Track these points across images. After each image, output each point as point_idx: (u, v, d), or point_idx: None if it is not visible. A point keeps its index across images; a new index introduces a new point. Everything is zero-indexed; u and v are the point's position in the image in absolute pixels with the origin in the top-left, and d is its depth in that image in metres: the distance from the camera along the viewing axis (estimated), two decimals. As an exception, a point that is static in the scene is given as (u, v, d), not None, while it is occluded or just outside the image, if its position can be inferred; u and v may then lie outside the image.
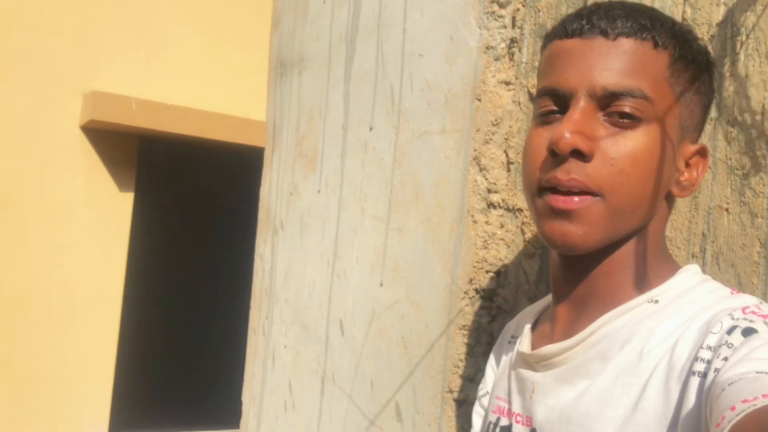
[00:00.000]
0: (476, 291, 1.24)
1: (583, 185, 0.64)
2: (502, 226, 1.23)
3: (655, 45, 0.67)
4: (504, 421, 0.76)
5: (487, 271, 1.23)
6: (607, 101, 0.65)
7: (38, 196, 3.79)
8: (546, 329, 0.76)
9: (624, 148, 0.64)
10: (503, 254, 1.22)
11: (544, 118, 0.69)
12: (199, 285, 4.60)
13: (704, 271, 0.89)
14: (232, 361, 3.85)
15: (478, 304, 1.24)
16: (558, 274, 0.74)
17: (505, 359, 0.84)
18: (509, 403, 0.76)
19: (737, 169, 0.87)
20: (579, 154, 0.64)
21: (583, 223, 0.65)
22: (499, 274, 1.22)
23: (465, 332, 1.25)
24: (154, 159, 4.11)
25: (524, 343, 0.77)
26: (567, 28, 0.69)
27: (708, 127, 0.90)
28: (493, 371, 0.88)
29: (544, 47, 0.74)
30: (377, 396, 1.49)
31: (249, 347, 2.34)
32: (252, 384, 2.26)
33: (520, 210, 1.20)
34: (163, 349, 4.26)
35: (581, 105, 0.65)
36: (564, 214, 0.65)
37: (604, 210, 0.64)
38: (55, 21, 3.79)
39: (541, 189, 0.67)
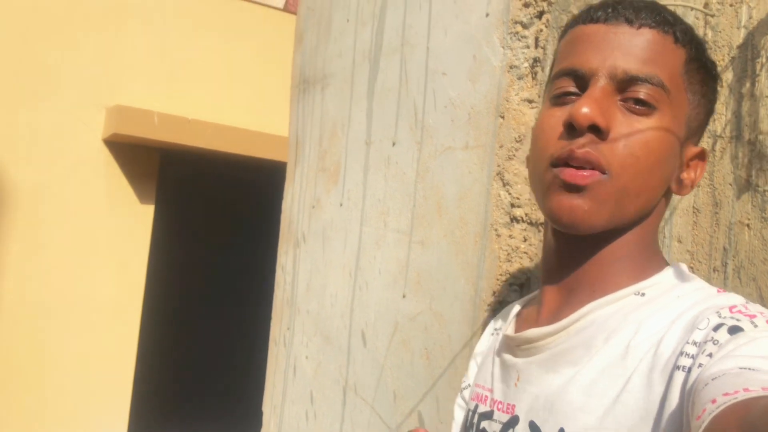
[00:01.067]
0: (499, 303, 1.27)
1: (596, 159, 0.65)
2: (525, 240, 1.26)
3: (676, 40, 0.68)
4: (483, 408, 0.76)
5: (511, 284, 1.26)
6: (625, 85, 0.66)
7: (61, 208, 3.86)
8: (532, 313, 0.77)
9: (638, 132, 0.66)
10: (526, 267, 1.25)
11: (559, 99, 0.70)
12: (219, 296, 4.65)
13: (726, 285, 0.92)
14: (252, 372, 3.88)
15: (501, 316, 1.27)
16: (551, 258, 0.75)
17: (486, 350, 0.85)
18: (491, 390, 0.76)
19: (758, 186, 0.89)
20: (596, 130, 0.65)
21: (590, 199, 0.65)
22: (522, 287, 1.25)
23: (488, 343, 1.28)
24: (174, 172, 4.18)
25: (509, 328, 0.78)
26: (592, 15, 0.70)
27: (730, 145, 0.93)
28: (475, 364, 0.88)
29: (564, 35, 0.75)
30: (400, 406, 1.51)
31: (270, 358, 2.38)
32: (273, 394, 2.29)
33: (543, 224, 1.23)
34: (182, 359, 4.30)
35: (601, 84, 0.67)
36: (573, 188, 0.65)
37: (610, 188, 0.65)
38: (80, 37, 3.88)
39: (553, 163, 0.67)
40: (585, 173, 0.65)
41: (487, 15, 1.41)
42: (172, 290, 4.25)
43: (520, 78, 1.31)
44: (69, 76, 3.87)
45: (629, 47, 0.67)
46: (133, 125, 3.70)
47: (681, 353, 0.58)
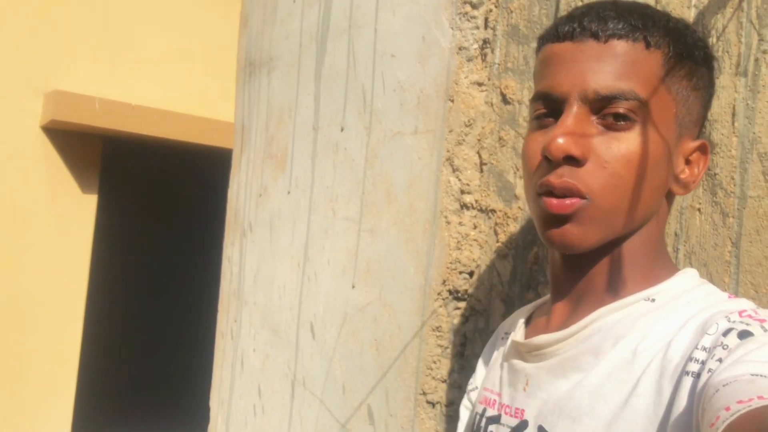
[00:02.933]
0: (449, 292, 1.23)
1: (575, 188, 0.65)
2: (475, 227, 1.23)
3: (648, 45, 0.66)
4: (491, 412, 0.76)
5: (461, 272, 1.23)
6: (599, 105, 0.65)
7: (-3, 198, 3.67)
8: (541, 322, 0.77)
9: (617, 151, 0.65)
10: (476, 255, 1.22)
11: (539, 122, 0.70)
12: (164, 288, 4.51)
13: (676, 271, 0.90)
14: (198, 366, 3.78)
15: (451, 305, 1.24)
16: (558, 272, 0.75)
17: (497, 353, 0.85)
18: (499, 394, 0.76)
19: (709, 170, 0.88)
20: (572, 159, 0.65)
21: (577, 224, 0.66)
22: (472, 275, 1.22)
23: (438, 334, 1.24)
24: (117, 160, 4.02)
25: (518, 334, 0.78)
26: (559, 32, 0.69)
27: (680, 128, 0.91)
28: (483, 366, 0.88)
29: (538, 49, 0.74)
30: (349, 399, 1.47)
31: (217, 351, 2.30)
32: (220, 389, 2.22)
33: (493, 211, 1.20)
34: (127, 354, 4.16)
35: (574, 110, 0.66)
36: (560, 218, 0.66)
37: (595, 211, 0.65)
38: (16, 18, 3.68)
39: (538, 193, 0.68)
40: (567, 202, 0.65)
41: (436, -5, 1.36)
42: (117, 282, 4.10)
43: (469, 60, 1.27)
44: (3, 59, 3.67)
45: (598, 65, 0.66)
46: (73, 112, 3.53)
47: (690, 358, 0.58)
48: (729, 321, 0.58)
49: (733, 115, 0.86)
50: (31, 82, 3.73)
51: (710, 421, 0.47)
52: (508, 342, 0.80)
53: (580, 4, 1.08)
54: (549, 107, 0.68)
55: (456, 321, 1.23)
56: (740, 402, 0.46)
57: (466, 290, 1.22)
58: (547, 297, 0.82)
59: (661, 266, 0.71)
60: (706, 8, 0.91)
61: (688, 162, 0.71)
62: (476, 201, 1.23)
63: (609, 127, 0.65)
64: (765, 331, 0.57)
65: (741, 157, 0.84)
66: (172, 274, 4.55)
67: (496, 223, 1.19)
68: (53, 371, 3.86)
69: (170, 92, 4.00)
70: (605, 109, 0.65)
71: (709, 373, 0.54)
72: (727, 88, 0.87)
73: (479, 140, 1.24)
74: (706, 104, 0.73)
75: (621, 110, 0.65)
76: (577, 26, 0.67)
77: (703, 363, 0.56)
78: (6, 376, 3.73)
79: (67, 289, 3.87)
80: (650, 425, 0.59)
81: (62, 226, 3.84)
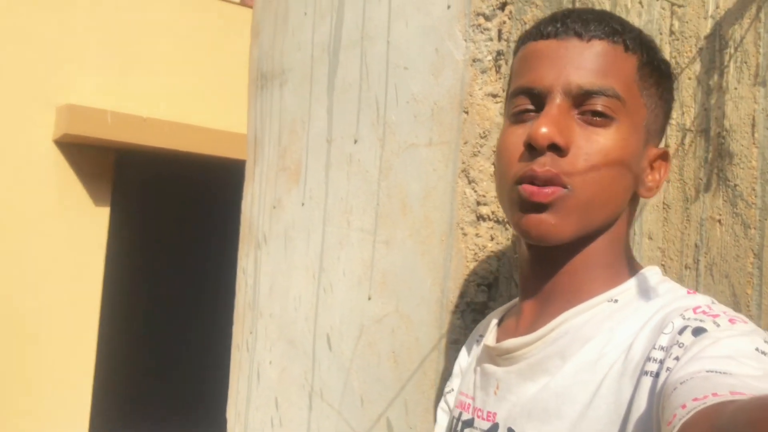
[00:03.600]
0: (467, 305, 1.23)
1: (557, 177, 0.66)
2: (492, 239, 1.23)
3: (626, 48, 0.70)
4: (465, 416, 0.78)
5: (478, 285, 1.23)
6: (581, 99, 0.68)
7: (11, 212, 3.70)
8: (512, 324, 0.78)
9: (597, 145, 0.67)
10: (494, 267, 1.22)
11: (518, 117, 0.71)
12: (178, 301, 4.53)
13: (698, 283, 0.90)
14: (214, 378, 3.78)
15: (469, 317, 1.24)
16: (526, 269, 0.76)
17: (471, 357, 0.86)
18: (473, 398, 0.77)
19: (729, 181, 0.87)
20: (556, 148, 0.66)
21: (555, 213, 0.67)
22: (490, 287, 1.22)
23: (457, 347, 1.24)
24: (130, 173, 4.06)
25: (489, 337, 0.79)
26: (542, 31, 0.72)
27: (699, 139, 0.91)
28: (459, 369, 0.90)
29: (517, 50, 0.76)
30: (368, 412, 1.47)
31: (233, 363, 2.31)
32: (237, 401, 2.22)
33: (509, 222, 1.20)
34: (141, 365, 4.18)
35: (557, 102, 0.68)
36: (538, 206, 0.67)
37: (574, 201, 0.67)
38: (29, 33, 3.72)
39: (517, 181, 0.69)
40: (547, 190, 0.66)
41: (449, 7, 1.36)
42: (130, 294, 4.12)
43: (483, 72, 1.28)
44: (16, 74, 3.71)
45: (581, 61, 0.68)
46: (85, 125, 3.57)
47: (648, 358, 0.59)
48: (684, 318, 0.60)
49: (753, 125, 0.85)
50: (44, 97, 3.78)
51: (667, 419, 0.48)
52: (481, 346, 0.82)
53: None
54: (531, 102, 0.70)
55: (474, 333, 1.23)
56: (695, 399, 0.47)
57: (484, 302, 1.22)
58: (516, 301, 0.84)
59: (625, 267, 0.73)
60: (723, 19, 0.90)
61: (651, 168, 0.73)
62: (493, 212, 1.23)
63: (588, 122, 0.68)
64: (718, 326, 0.57)
65: (761, 168, 0.84)
66: (185, 286, 4.56)
67: (514, 235, 1.19)
68: (68, 380, 3.88)
69: (181, 105, 4.03)
70: (586, 104, 0.68)
71: (667, 372, 0.55)
72: (746, 99, 0.87)
73: (494, 152, 1.24)
74: (667, 116, 0.77)
75: (600, 107, 0.67)
76: (561, 26, 0.70)
77: (662, 362, 0.58)
78: (22, 386, 3.76)
79: (81, 300, 3.90)
80: (611, 425, 0.60)
81: (75, 239, 3.87)
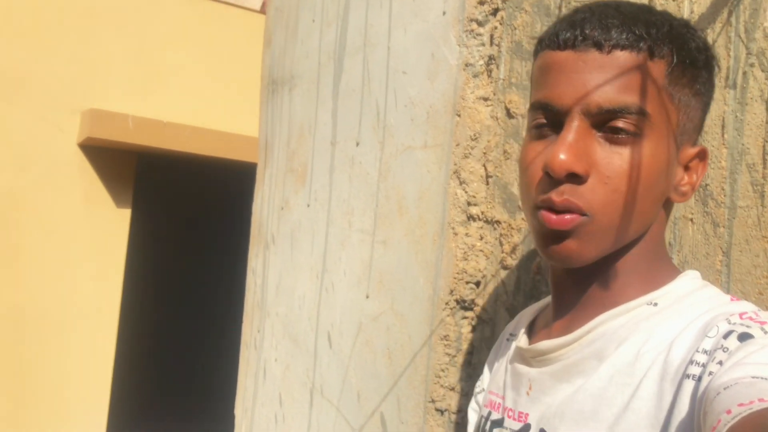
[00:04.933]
0: (457, 302, 1.26)
1: (576, 206, 0.64)
2: (481, 238, 1.26)
3: (652, 56, 0.65)
4: (495, 415, 0.77)
5: (467, 282, 1.26)
6: (602, 118, 0.64)
7: (36, 214, 3.82)
8: (543, 329, 0.77)
9: (619, 166, 0.64)
10: (482, 265, 1.25)
11: (538, 131, 0.68)
12: (196, 300, 4.62)
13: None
14: (227, 375, 3.86)
15: (458, 314, 1.27)
16: (558, 282, 0.74)
17: (502, 356, 0.85)
18: (503, 398, 0.76)
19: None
20: (574, 176, 0.64)
21: (577, 239, 0.65)
22: (479, 285, 1.25)
23: (446, 342, 1.27)
24: (151, 176, 4.15)
25: (522, 339, 0.77)
26: (559, 39, 0.67)
27: (672, 140, 0.93)
28: (489, 369, 0.89)
29: (536, 53, 0.72)
30: (363, 407, 1.50)
31: (241, 361, 2.36)
32: (244, 397, 2.27)
33: (498, 222, 1.23)
34: (159, 363, 4.27)
35: (575, 124, 0.64)
36: (558, 233, 0.65)
37: (595, 228, 0.65)
38: (54, 39, 3.84)
39: (537, 207, 0.67)
40: (567, 218, 0.64)
41: (444, 13, 1.40)
42: (150, 294, 4.22)
43: (475, 76, 1.31)
44: (42, 80, 3.83)
45: (600, 77, 0.64)
46: (107, 129, 3.67)
47: (691, 361, 0.58)
48: (729, 323, 0.58)
49: (723, 126, 0.88)
50: (68, 101, 3.89)
51: (712, 424, 0.48)
52: (512, 346, 0.80)
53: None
54: (549, 118, 0.67)
55: (463, 330, 1.26)
56: (741, 405, 0.46)
57: (473, 300, 1.25)
58: (547, 301, 0.83)
59: (663, 270, 0.70)
60: (697, 23, 0.93)
61: (687, 168, 0.70)
62: (482, 213, 1.26)
63: (610, 141, 0.64)
64: (765, 333, 0.56)
65: (731, 168, 0.86)
66: (204, 285, 4.65)
67: (501, 234, 1.21)
68: (89, 377, 3.98)
69: (201, 110, 4.12)
70: (608, 123, 0.64)
71: (710, 376, 0.54)
72: (717, 101, 0.89)
73: (485, 153, 1.27)
74: (706, 108, 0.72)
75: (622, 125, 0.63)
76: (579, 34, 0.65)
77: (704, 366, 0.56)
78: (43, 386, 3.86)
79: (101, 299, 4.00)
80: (651, 428, 0.59)
81: (97, 239, 3.97)
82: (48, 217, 3.86)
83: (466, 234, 1.27)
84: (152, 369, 4.30)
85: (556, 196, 0.64)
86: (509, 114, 1.24)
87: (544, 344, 0.71)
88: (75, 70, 3.87)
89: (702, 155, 0.71)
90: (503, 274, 1.20)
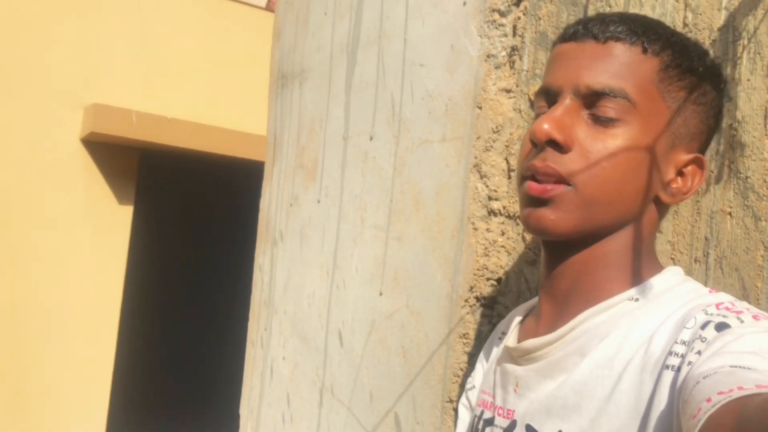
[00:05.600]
0: (477, 299, 1.23)
1: (555, 172, 0.67)
2: (503, 234, 1.22)
3: (644, 50, 0.69)
4: (487, 414, 0.78)
5: (488, 279, 1.22)
6: (591, 100, 0.68)
7: (38, 208, 3.78)
8: (532, 324, 0.78)
9: (602, 144, 0.67)
10: (504, 262, 1.21)
11: (537, 116, 0.73)
12: (199, 297, 4.58)
13: (707, 276, 0.88)
14: (230, 374, 3.82)
15: (479, 312, 1.23)
16: (544, 270, 0.76)
17: (493, 355, 0.86)
18: (493, 396, 0.78)
19: (740, 173, 0.86)
20: (555, 145, 0.68)
21: (555, 209, 0.68)
22: (500, 282, 1.22)
23: (465, 341, 1.24)
24: (154, 172, 4.11)
25: (510, 338, 0.79)
26: (566, 34, 0.73)
27: (710, 131, 0.89)
28: (482, 366, 0.90)
29: (550, 52, 0.79)
30: (376, 407, 1.47)
31: (247, 359, 2.32)
32: (250, 397, 2.24)
33: (520, 216, 1.19)
34: (161, 361, 4.23)
35: (566, 102, 0.69)
36: (538, 201, 0.68)
37: (575, 198, 0.67)
38: (57, 34, 3.81)
39: (523, 177, 0.71)
40: (548, 187, 0.68)
41: (465, 3, 1.37)
42: (152, 291, 4.18)
43: (497, 67, 1.28)
44: (45, 74, 3.80)
45: (594, 62, 0.69)
46: (110, 124, 3.63)
47: (670, 353, 0.59)
48: (706, 314, 0.60)
49: (765, 116, 0.84)
50: (71, 96, 3.86)
51: (692, 413, 0.48)
52: (501, 345, 0.82)
53: (607, 9, 1.08)
54: (547, 102, 0.72)
55: (483, 328, 1.23)
56: (721, 393, 0.47)
57: (494, 297, 1.22)
58: (536, 300, 0.83)
59: (646, 266, 0.72)
60: (737, 10, 0.90)
61: (681, 173, 0.72)
62: (504, 207, 1.23)
63: (596, 122, 0.68)
64: (742, 322, 0.57)
65: (773, 160, 0.83)
66: (207, 283, 4.62)
67: (524, 230, 1.18)
68: (90, 375, 3.94)
69: (205, 106, 4.09)
70: (596, 104, 0.68)
71: (689, 366, 0.55)
72: (759, 90, 0.86)
73: (507, 146, 1.24)
74: (708, 120, 0.73)
75: (610, 107, 0.67)
76: (581, 28, 0.71)
77: (683, 356, 0.57)
78: (42, 382, 3.82)
79: (103, 295, 3.96)
80: (632, 420, 0.60)
81: (99, 236, 3.94)
82: (50, 213, 3.82)
83: (487, 229, 1.24)
84: (154, 367, 4.26)
85: (538, 162, 0.68)
86: (533, 106, 1.21)
87: (529, 343, 0.73)
88: (78, 64, 3.83)
89: (699, 163, 0.72)
90: (526, 270, 1.17)
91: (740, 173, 0.86)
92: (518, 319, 0.82)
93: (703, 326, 0.58)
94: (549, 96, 0.72)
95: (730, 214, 0.87)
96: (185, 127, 3.80)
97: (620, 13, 0.74)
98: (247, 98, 4.15)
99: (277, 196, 2.23)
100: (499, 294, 1.21)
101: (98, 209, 3.91)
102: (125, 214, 3.99)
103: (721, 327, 0.57)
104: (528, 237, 1.17)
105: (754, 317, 0.58)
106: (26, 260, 3.81)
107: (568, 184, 0.67)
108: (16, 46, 3.72)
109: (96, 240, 3.92)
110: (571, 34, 0.72)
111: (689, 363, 0.55)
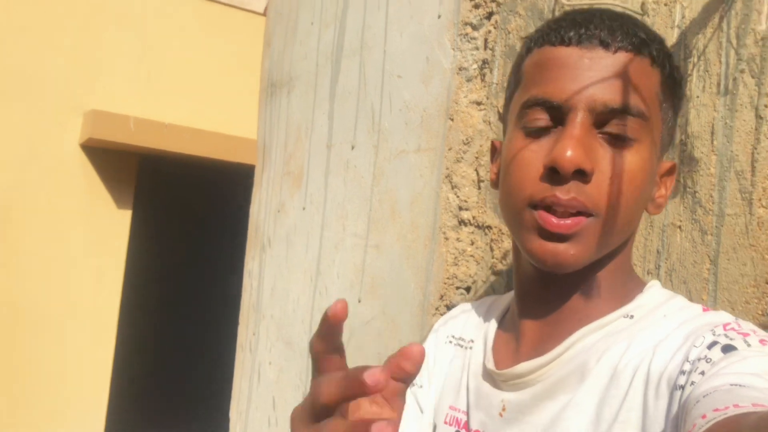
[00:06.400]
0: (447, 307, 1.25)
1: (582, 205, 0.62)
2: (472, 243, 1.25)
3: (653, 62, 0.65)
4: None
5: (458, 288, 1.25)
6: (605, 117, 0.63)
7: (37, 213, 3.82)
8: (510, 343, 0.73)
9: (620, 168, 0.62)
10: (473, 271, 1.23)
11: (532, 128, 0.66)
12: (196, 301, 4.62)
13: (658, 288, 0.90)
14: (228, 376, 3.85)
15: (448, 320, 1.25)
16: (531, 290, 0.71)
17: (450, 364, 0.81)
18: (466, 414, 0.74)
19: (689, 187, 0.88)
20: (581, 174, 0.62)
21: (576, 243, 0.63)
22: (469, 291, 1.24)
23: (436, 348, 1.26)
24: (152, 177, 4.15)
25: (489, 359, 0.74)
26: (563, 35, 0.65)
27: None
28: (426, 366, 0.84)
29: (528, 51, 0.69)
30: (354, 412, 1.49)
31: (237, 363, 2.35)
32: (239, 400, 2.26)
33: (489, 227, 1.22)
34: (158, 364, 4.27)
35: (580, 120, 0.62)
36: (558, 236, 0.63)
37: (598, 229, 0.63)
38: (56, 40, 3.86)
39: (533, 204, 0.64)
40: (569, 222, 0.62)
41: (440, 16, 1.40)
42: (150, 295, 4.22)
43: (469, 80, 1.30)
44: (45, 80, 3.85)
45: (606, 75, 0.63)
46: (109, 130, 3.68)
47: (681, 372, 0.57)
48: (714, 335, 0.58)
49: (712, 133, 0.87)
50: (70, 102, 3.90)
51: (687, 429, 0.48)
52: (473, 360, 0.77)
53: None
54: (551, 115, 0.64)
55: (453, 336, 1.25)
56: (716, 410, 0.46)
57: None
58: (503, 305, 0.81)
59: (631, 283, 0.70)
60: (688, 28, 0.92)
61: (659, 183, 0.70)
62: (473, 217, 1.25)
63: (611, 143, 0.63)
64: (748, 345, 0.56)
65: (719, 175, 0.85)
66: (205, 287, 4.65)
67: (492, 239, 1.20)
68: (88, 378, 3.98)
69: (203, 111, 4.12)
70: (610, 123, 0.63)
71: (692, 386, 0.54)
72: (708, 107, 0.88)
73: (477, 158, 1.26)
74: (676, 125, 0.73)
75: (627, 125, 0.62)
76: (584, 32, 0.64)
77: (688, 375, 0.56)
78: (42, 384, 3.86)
79: (101, 299, 4.00)
80: None
81: (98, 240, 3.98)
82: (49, 218, 3.86)
83: (457, 239, 1.26)
84: (151, 370, 4.30)
85: (562, 194, 0.62)
86: (502, 118, 1.23)
87: (521, 368, 0.68)
88: (77, 70, 3.88)
89: (672, 170, 0.71)
90: (493, 279, 1.19)
91: (689, 188, 0.88)
92: (492, 334, 0.77)
93: (710, 346, 0.56)
94: (551, 108, 0.64)
95: (679, 227, 0.89)
96: (183, 132, 3.84)
97: (610, 12, 0.67)
98: (244, 104, 4.19)
99: (266, 203, 2.26)
100: (467, 302, 1.24)
101: (97, 214, 3.95)
102: (124, 218, 4.04)
103: (728, 349, 0.55)
104: (495, 247, 1.20)
105: (761, 341, 0.57)
106: (26, 265, 3.85)
107: (590, 215, 0.62)
108: (16, 52, 3.77)
109: (95, 244, 3.97)
110: (570, 38, 0.64)
111: (692, 383, 0.54)
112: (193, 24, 4.18)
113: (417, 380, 0.85)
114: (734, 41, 0.86)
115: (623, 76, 0.63)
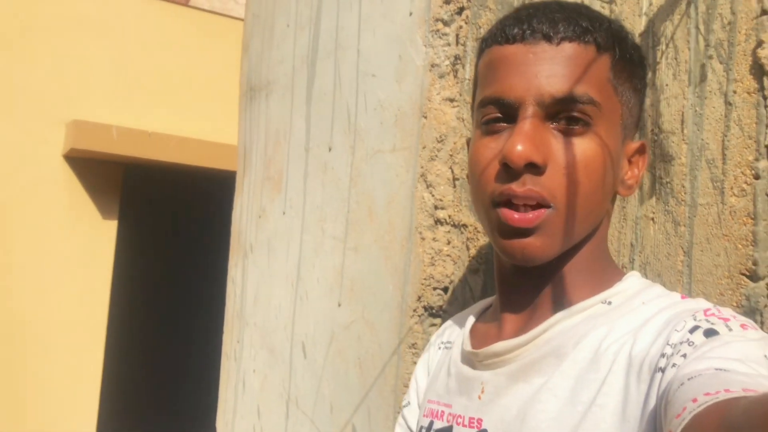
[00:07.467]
0: (424, 308, 1.23)
1: (539, 196, 0.63)
2: (448, 243, 1.22)
3: (598, 48, 0.66)
4: (439, 424, 0.73)
5: (435, 288, 1.22)
6: (555, 109, 0.64)
7: (21, 225, 3.78)
8: (491, 330, 0.74)
9: (575, 156, 0.64)
10: (450, 270, 1.21)
11: (489, 127, 0.68)
12: (183, 312, 4.58)
13: (633, 282, 0.88)
14: (213, 387, 3.81)
15: (426, 321, 1.23)
16: (509, 281, 0.73)
17: (438, 365, 0.83)
18: (448, 405, 0.74)
19: (661, 179, 0.86)
20: (533, 167, 0.63)
21: (540, 236, 0.64)
22: (446, 291, 1.22)
23: (414, 351, 1.24)
24: (137, 187, 4.12)
25: (467, 343, 0.75)
26: (507, 33, 0.67)
27: (638, 137, 0.90)
28: (416, 382, 0.87)
29: (481, 52, 0.72)
30: (336, 419, 1.46)
31: (222, 372, 2.32)
32: (225, 410, 2.23)
33: (465, 226, 1.19)
34: (147, 372, 4.23)
35: (530, 114, 0.64)
36: (521, 231, 0.64)
37: (558, 220, 0.64)
38: (36, 50, 3.82)
39: (494, 202, 0.66)
40: (530, 215, 0.64)
41: (411, 14, 1.37)
42: (137, 305, 4.18)
43: (441, 77, 1.28)
44: (26, 91, 3.81)
45: (552, 68, 0.64)
46: (91, 140, 3.64)
47: (662, 355, 0.57)
48: (695, 319, 0.58)
49: (683, 122, 0.85)
50: (53, 113, 3.87)
51: (676, 412, 0.47)
52: (453, 353, 0.78)
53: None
54: (501, 112, 0.66)
55: (431, 337, 1.22)
56: (707, 394, 0.46)
57: (440, 306, 1.22)
58: (485, 303, 0.83)
59: (610, 270, 0.71)
60: (656, 16, 0.90)
61: (630, 163, 0.71)
62: (449, 216, 1.23)
63: (565, 132, 0.65)
64: (730, 330, 0.57)
65: (690, 165, 0.83)
66: (191, 297, 4.61)
67: (468, 238, 1.18)
68: (77, 389, 3.93)
69: (186, 119, 4.09)
70: (561, 114, 0.64)
71: (674, 368, 0.54)
72: (677, 96, 0.86)
73: (451, 155, 1.24)
74: (642, 105, 0.74)
75: (577, 114, 0.64)
76: (527, 28, 0.66)
77: (669, 358, 0.56)
78: (28, 400, 3.81)
79: (88, 310, 3.96)
80: (619, 423, 0.58)
81: (84, 251, 3.94)
82: (34, 229, 3.82)
83: (434, 238, 1.24)
84: (140, 380, 4.26)
85: (517, 187, 0.64)
86: (472, 108, 1.21)
87: (499, 345, 0.69)
88: (59, 81, 3.84)
89: (642, 150, 0.72)
90: (470, 278, 1.17)
91: (662, 179, 0.86)
92: (467, 325, 0.78)
93: (692, 330, 0.57)
94: (502, 106, 0.66)
95: (653, 219, 0.87)
96: (167, 140, 3.81)
97: (555, 3, 0.69)
98: (227, 110, 4.16)
99: (247, 208, 2.24)
100: (445, 303, 1.21)
101: (82, 225, 3.91)
102: (109, 228, 4.00)
103: (710, 333, 0.56)
104: (472, 246, 1.17)
105: (742, 326, 0.58)
106: (11, 276, 3.81)
107: (549, 206, 0.64)
108: (-3, 64, 3.73)
109: (81, 255, 3.92)
110: (515, 35, 0.66)
111: (674, 365, 0.54)
112: (174, 31, 4.15)
113: (405, 398, 0.88)
114: (702, 27, 0.84)
115: (567, 66, 0.64)
